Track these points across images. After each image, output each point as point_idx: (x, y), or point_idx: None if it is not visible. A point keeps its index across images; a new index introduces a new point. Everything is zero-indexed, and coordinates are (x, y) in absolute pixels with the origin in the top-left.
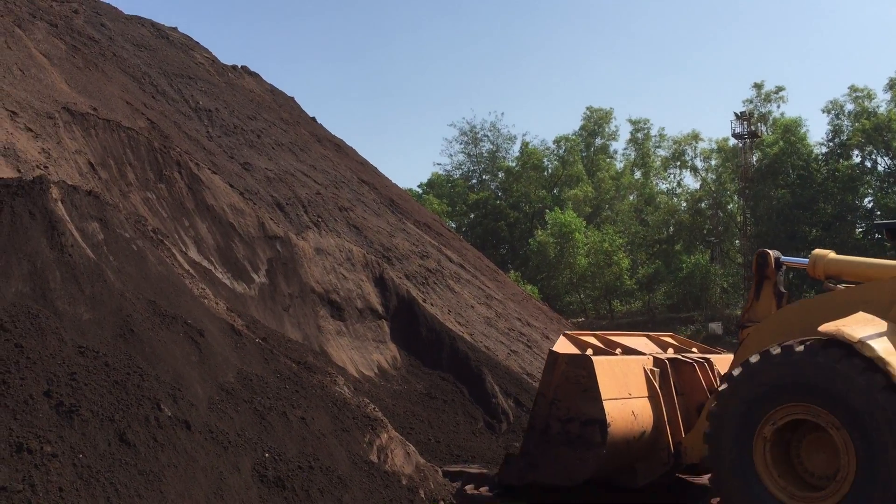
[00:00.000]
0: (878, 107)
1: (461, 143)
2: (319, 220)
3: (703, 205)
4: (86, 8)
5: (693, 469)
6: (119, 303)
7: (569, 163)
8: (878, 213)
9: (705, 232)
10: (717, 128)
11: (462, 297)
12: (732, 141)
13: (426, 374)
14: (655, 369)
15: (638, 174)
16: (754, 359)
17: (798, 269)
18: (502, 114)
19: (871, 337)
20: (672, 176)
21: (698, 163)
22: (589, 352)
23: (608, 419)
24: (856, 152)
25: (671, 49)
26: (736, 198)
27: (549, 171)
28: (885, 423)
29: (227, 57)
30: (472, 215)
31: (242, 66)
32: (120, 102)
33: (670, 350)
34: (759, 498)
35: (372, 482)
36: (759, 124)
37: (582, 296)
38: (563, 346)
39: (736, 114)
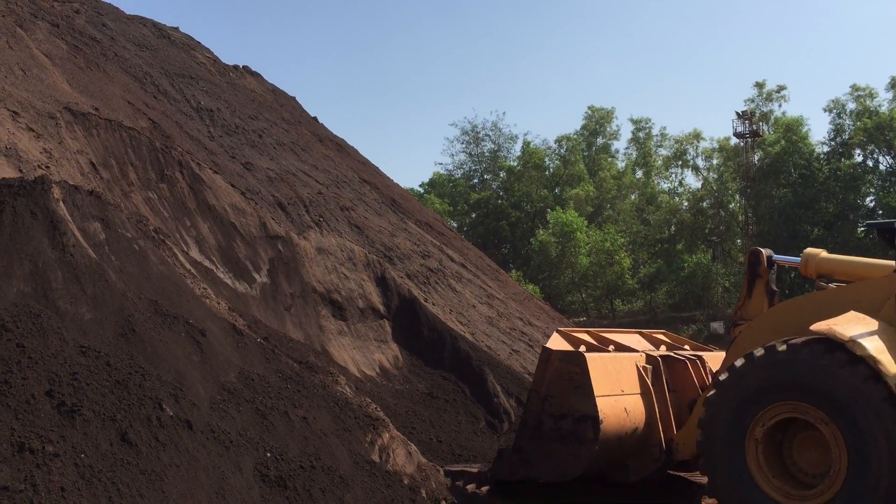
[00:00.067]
0: (879, 106)
1: (462, 143)
2: (321, 219)
3: (704, 204)
4: (87, 8)
5: (685, 465)
6: (121, 302)
7: (570, 162)
8: (880, 212)
9: (707, 231)
10: (719, 127)
11: (464, 296)
12: (734, 140)
13: (428, 373)
14: (648, 366)
15: (639, 173)
16: (739, 362)
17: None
18: (504, 113)
19: (862, 335)
20: (674, 175)
21: (700, 162)
22: (582, 348)
23: (601, 416)
24: (857, 151)
25: (672, 48)
26: (737, 197)
27: (551, 170)
28: (876, 420)
29: (228, 57)
30: (473, 215)
31: (244, 66)
32: (121, 102)
33: (663, 347)
34: (755, 499)
35: (374, 482)
36: (760, 123)
37: (583, 295)
38: (556, 342)
39: (737, 113)
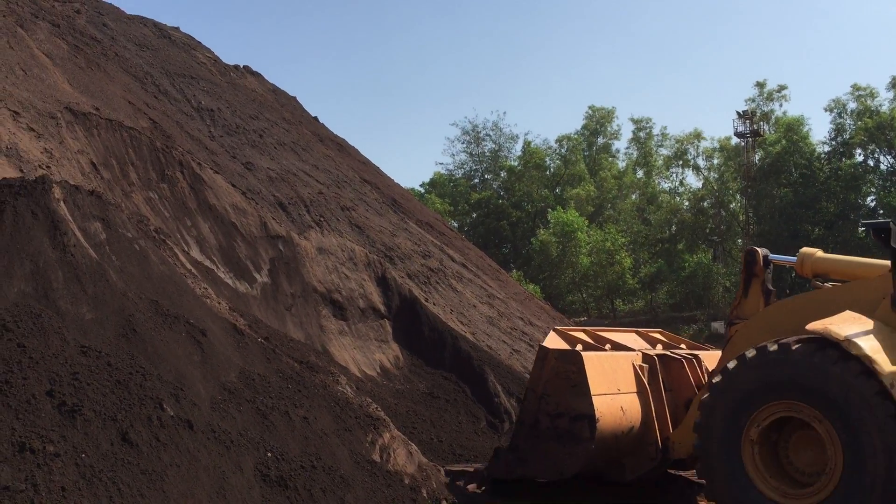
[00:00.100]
0: (880, 105)
1: (463, 143)
2: (321, 219)
3: (705, 204)
4: (88, 8)
5: (681, 464)
6: (121, 302)
7: (571, 162)
8: (881, 211)
9: (708, 231)
10: (720, 126)
11: (464, 296)
12: (735, 140)
13: (428, 373)
14: (644, 365)
15: (640, 173)
16: (732, 364)
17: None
18: (504, 113)
19: (857, 335)
20: (674, 175)
21: (700, 162)
22: (579, 347)
23: (597, 414)
24: (858, 151)
25: (673, 48)
26: (738, 197)
27: (552, 170)
28: (871, 418)
29: (229, 57)
30: (474, 215)
31: (245, 66)
32: (122, 102)
33: (659, 346)
34: (753, 500)
35: (374, 482)
36: (761, 123)
37: (584, 295)
38: (552, 341)
39: (738, 112)
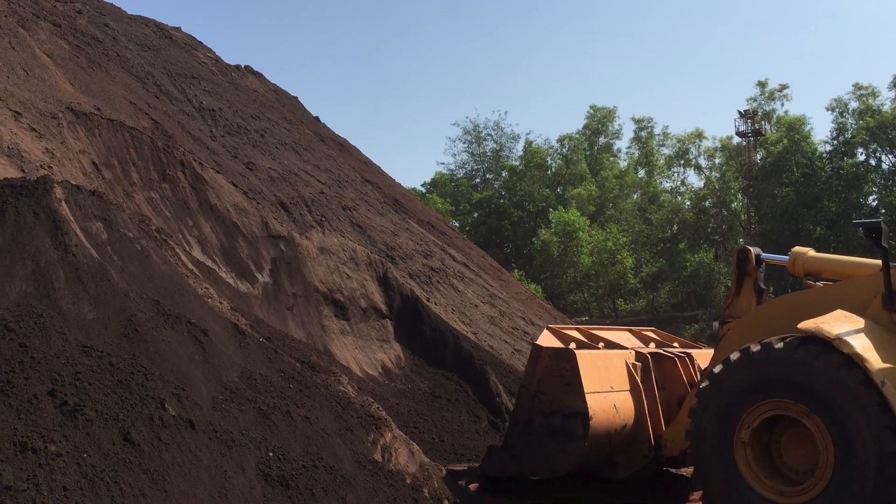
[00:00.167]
0: (882, 105)
1: (465, 143)
2: (323, 219)
3: (707, 203)
4: (89, 8)
5: (673, 461)
6: (123, 302)
7: (572, 161)
8: (883, 210)
9: (709, 230)
10: (721, 126)
11: (466, 296)
12: (736, 139)
13: (430, 373)
14: (637, 363)
15: (641, 173)
16: (717, 369)
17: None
18: (506, 113)
19: (848, 333)
20: (676, 174)
21: (702, 161)
22: (572, 345)
23: (590, 412)
24: (860, 150)
25: (674, 47)
26: (740, 196)
27: (553, 169)
28: (861, 415)
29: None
30: (475, 214)
31: (246, 66)
32: (123, 102)
33: (652, 344)
34: (751, 502)
35: (376, 481)
36: (762, 122)
37: (586, 294)
38: (546, 339)
39: (740, 112)
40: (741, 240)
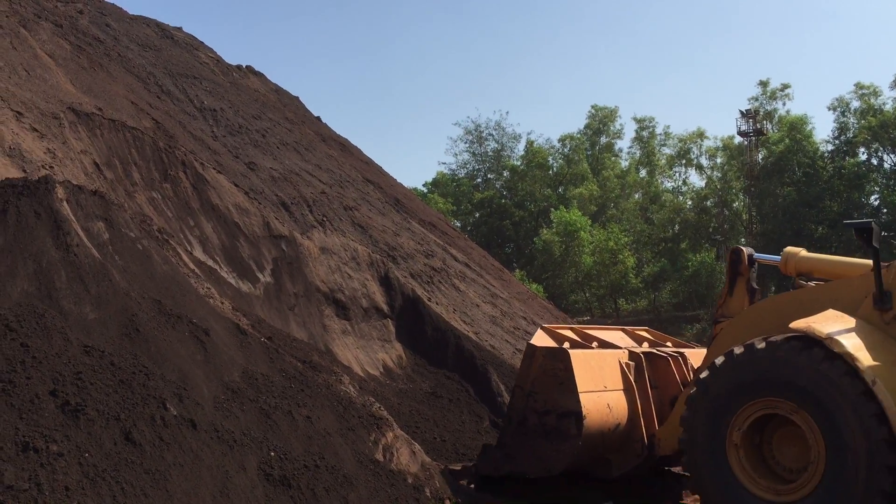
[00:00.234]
0: (884, 104)
1: (466, 142)
2: (324, 219)
3: (708, 203)
4: (90, 8)
5: (666, 460)
6: (124, 302)
7: (574, 161)
8: (885, 210)
9: (711, 230)
10: (723, 126)
11: (467, 295)
12: (738, 139)
13: (431, 372)
14: (630, 363)
15: (643, 172)
16: (704, 374)
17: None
18: (507, 113)
19: (840, 333)
20: (677, 174)
21: (704, 161)
22: (566, 345)
23: (584, 411)
24: (862, 150)
25: (676, 47)
26: (741, 196)
27: (554, 169)
28: (852, 414)
29: (231, 57)
30: (477, 214)
31: (247, 66)
32: (125, 102)
33: (645, 344)
34: (743, 500)
35: (377, 481)
36: (764, 122)
37: (587, 294)
38: (540, 339)
39: (741, 111)
40: (743, 239)
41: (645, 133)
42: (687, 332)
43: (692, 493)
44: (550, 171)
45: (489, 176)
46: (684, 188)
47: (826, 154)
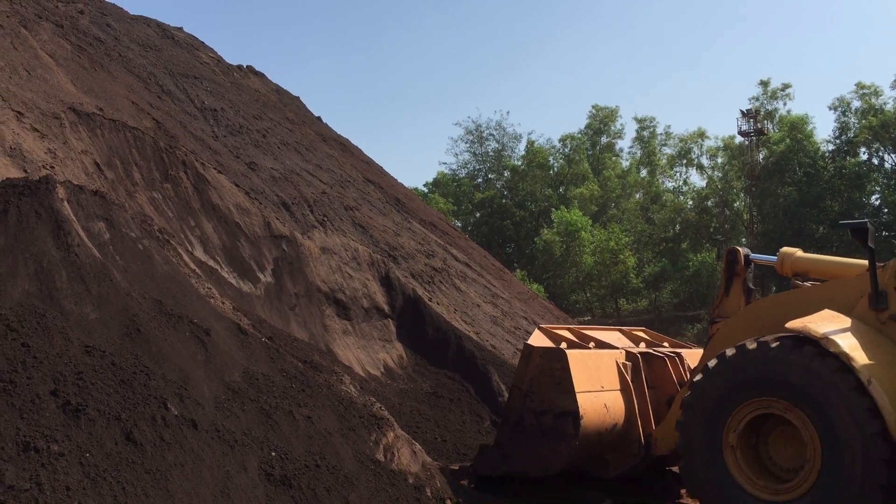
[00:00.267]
0: (885, 104)
1: (467, 143)
2: (325, 219)
3: (709, 203)
4: (91, 8)
5: (663, 460)
6: (125, 302)
7: (574, 161)
8: (885, 210)
9: (712, 230)
10: (724, 125)
11: (468, 295)
12: (739, 139)
13: (432, 372)
14: (627, 363)
15: (644, 172)
16: (697, 377)
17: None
18: (508, 113)
19: (835, 333)
20: (678, 174)
21: (704, 161)
22: (563, 345)
23: (581, 411)
24: (863, 149)
25: (677, 47)
26: (742, 196)
27: (555, 169)
28: (847, 413)
29: (232, 57)
30: (477, 214)
31: (248, 66)
32: (126, 102)
33: (642, 344)
34: (742, 502)
35: (378, 481)
36: (765, 122)
37: (588, 294)
38: (537, 339)
39: (742, 111)
40: (743, 239)
41: (646, 133)
42: (688, 332)
43: (692, 498)
44: (551, 171)
45: (490, 176)
46: (685, 188)
47: (827, 154)
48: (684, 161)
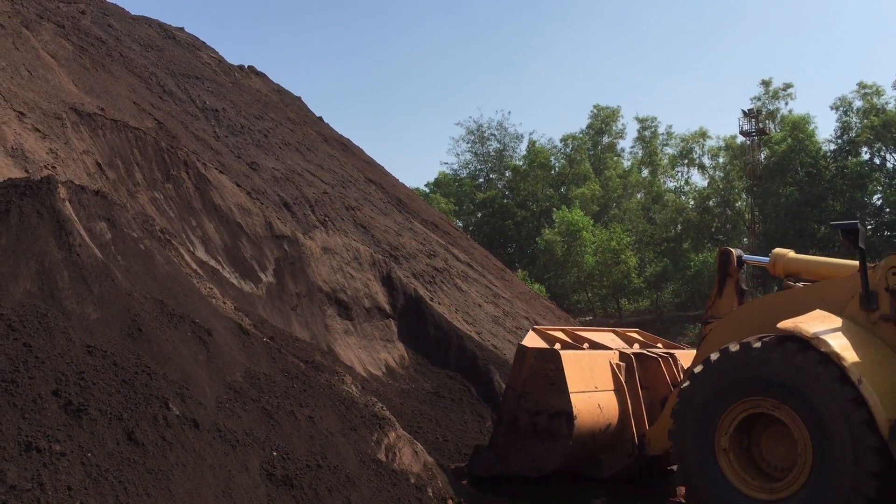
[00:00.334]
0: (886, 103)
1: (468, 142)
2: (326, 219)
3: (711, 203)
4: (93, 9)
5: (657, 460)
6: (127, 302)
7: (576, 161)
8: (888, 210)
9: (713, 230)
10: (725, 125)
11: (469, 295)
12: (740, 138)
13: (434, 372)
14: (621, 364)
15: (645, 172)
16: (685, 385)
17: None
18: (509, 112)
19: (826, 332)
20: (680, 174)
21: (706, 161)
22: (557, 346)
23: (575, 412)
24: (864, 149)
25: (678, 46)
26: (744, 195)
27: (557, 169)
28: (838, 411)
29: (233, 57)
30: (479, 214)
31: (249, 66)
32: (127, 102)
33: (636, 345)
34: (734, 500)
35: (380, 481)
36: (767, 121)
37: (590, 294)
38: (531, 340)
39: (744, 111)
40: (745, 239)
41: (647, 133)
42: (689, 332)
43: (688, 500)
44: (552, 171)
45: (491, 176)
46: (687, 188)
47: (829, 154)
48: (686, 161)
